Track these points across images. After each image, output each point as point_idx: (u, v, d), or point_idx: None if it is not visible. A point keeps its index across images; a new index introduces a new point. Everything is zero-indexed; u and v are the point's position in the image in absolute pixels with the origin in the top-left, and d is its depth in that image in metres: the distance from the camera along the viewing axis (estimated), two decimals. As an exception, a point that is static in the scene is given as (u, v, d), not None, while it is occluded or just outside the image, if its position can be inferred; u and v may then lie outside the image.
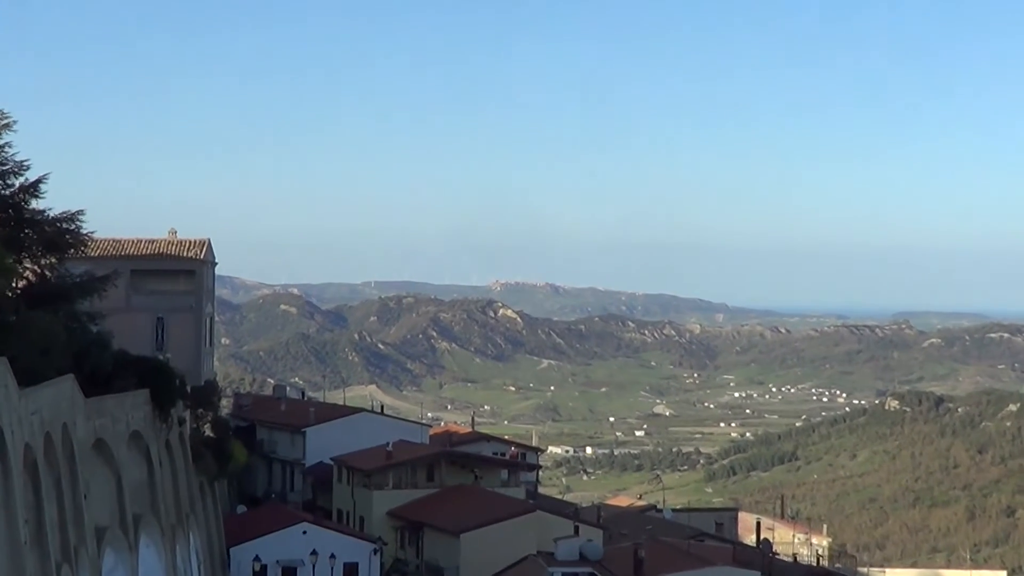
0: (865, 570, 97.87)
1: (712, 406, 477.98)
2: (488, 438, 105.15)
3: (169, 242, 77.93)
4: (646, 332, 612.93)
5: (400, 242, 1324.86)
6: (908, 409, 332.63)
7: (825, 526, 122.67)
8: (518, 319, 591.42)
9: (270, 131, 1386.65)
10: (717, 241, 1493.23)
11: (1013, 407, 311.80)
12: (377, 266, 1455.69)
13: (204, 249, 78.23)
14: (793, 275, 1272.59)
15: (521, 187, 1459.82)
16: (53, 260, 53.24)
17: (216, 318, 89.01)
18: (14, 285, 47.94)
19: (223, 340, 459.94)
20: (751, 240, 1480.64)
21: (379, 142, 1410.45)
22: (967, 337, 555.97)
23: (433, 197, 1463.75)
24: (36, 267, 52.64)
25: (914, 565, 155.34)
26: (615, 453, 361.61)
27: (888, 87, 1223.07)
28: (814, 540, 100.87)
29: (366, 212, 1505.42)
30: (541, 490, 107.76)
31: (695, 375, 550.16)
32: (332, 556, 68.84)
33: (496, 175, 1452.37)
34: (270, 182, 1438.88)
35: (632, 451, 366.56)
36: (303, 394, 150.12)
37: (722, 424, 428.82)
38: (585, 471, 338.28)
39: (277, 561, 69.86)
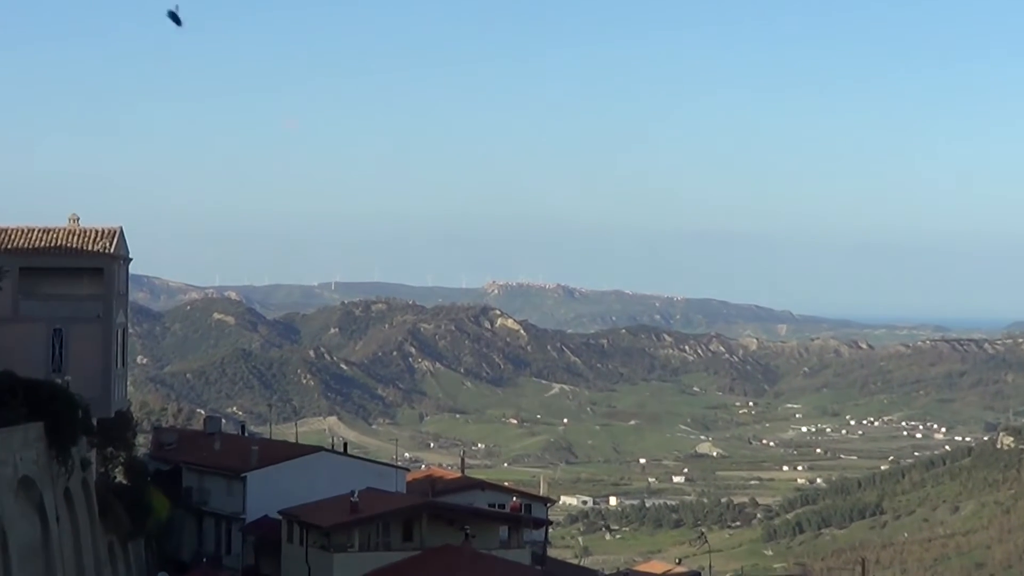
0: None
1: (773, 444, 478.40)
2: (483, 485, 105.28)
3: (70, 232, 77.91)
4: (687, 348, 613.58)
5: (369, 233, 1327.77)
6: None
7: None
8: (521, 331, 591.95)
9: (199, 88, 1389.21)
10: (778, 233, 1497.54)
11: None
12: (339, 263, 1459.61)
13: (115, 240, 78.18)
14: (876, 275, 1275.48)
15: (524, 166, 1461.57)
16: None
17: (131, 330, 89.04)
18: None
19: (140, 359, 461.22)
20: (821, 232, 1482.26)
21: (343, 109, 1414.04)
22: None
23: (413, 177, 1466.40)
24: None
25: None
26: (647, 505, 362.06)
27: (995, 64, 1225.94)
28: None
29: (325, 195, 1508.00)
30: (551, 552, 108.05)
31: (750, 404, 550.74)
32: (281, 638, 68.99)
33: (493, 151, 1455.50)
34: (199, 155, 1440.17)
35: (669, 502, 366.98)
36: (243, 429, 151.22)
37: (785, 467, 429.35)
38: (608, 528, 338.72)
39: (209, 644, 69.97)
